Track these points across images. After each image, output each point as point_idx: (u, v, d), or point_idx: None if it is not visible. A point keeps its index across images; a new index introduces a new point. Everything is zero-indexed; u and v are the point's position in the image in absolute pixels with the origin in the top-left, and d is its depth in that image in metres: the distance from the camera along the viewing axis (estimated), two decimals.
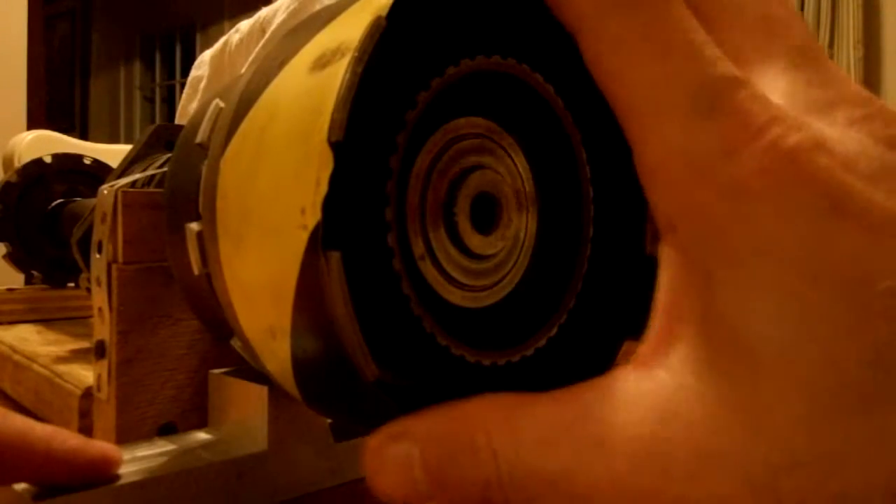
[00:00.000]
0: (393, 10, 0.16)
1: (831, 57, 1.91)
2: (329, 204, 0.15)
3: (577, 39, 0.14)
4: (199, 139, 0.23)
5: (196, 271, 0.22)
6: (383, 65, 0.17)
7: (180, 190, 0.23)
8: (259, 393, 0.25)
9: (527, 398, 0.14)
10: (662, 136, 0.13)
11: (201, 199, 0.21)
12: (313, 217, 0.15)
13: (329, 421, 0.27)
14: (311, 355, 0.17)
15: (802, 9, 2.22)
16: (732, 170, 0.12)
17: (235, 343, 0.23)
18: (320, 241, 0.15)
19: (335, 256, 0.15)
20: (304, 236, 0.15)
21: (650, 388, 0.13)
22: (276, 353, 0.18)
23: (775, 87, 0.13)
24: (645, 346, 0.14)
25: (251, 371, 0.27)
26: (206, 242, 0.20)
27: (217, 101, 0.23)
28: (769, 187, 0.12)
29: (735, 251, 0.12)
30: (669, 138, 0.13)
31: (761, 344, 0.12)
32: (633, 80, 0.13)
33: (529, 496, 0.14)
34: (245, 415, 0.26)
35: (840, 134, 0.12)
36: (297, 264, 0.16)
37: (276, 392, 0.25)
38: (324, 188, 0.15)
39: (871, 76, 2.16)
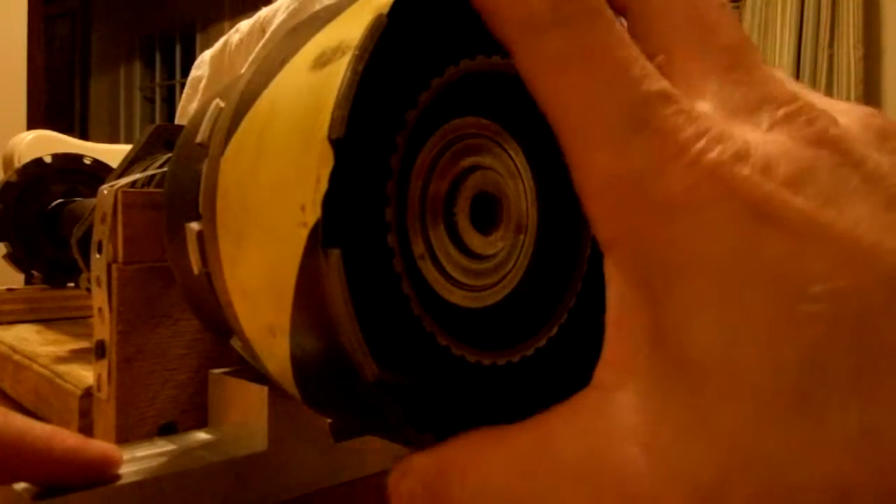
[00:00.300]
0: (393, 9, 0.16)
1: (831, 57, 1.91)
2: (329, 202, 0.15)
3: (511, 55, 0.15)
4: (199, 139, 0.23)
5: (196, 271, 0.22)
6: (384, 64, 0.17)
7: (180, 190, 0.23)
8: (259, 393, 0.25)
9: (500, 431, 0.15)
10: (596, 159, 0.13)
11: (201, 198, 0.21)
12: (313, 214, 0.15)
13: (329, 421, 0.27)
14: (310, 354, 0.17)
15: (802, 9, 2.22)
16: (661, 188, 0.12)
17: (235, 343, 0.23)
18: (320, 239, 0.15)
19: (335, 254, 0.15)
20: (303, 234, 0.15)
21: (609, 412, 0.13)
22: (276, 352, 0.18)
23: (705, 90, 0.14)
24: (601, 369, 0.14)
25: (251, 371, 0.27)
26: (207, 242, 0.20)
27: (217, 100, 0.23)
28: (695, 203, 0.12)
29: (671, 267, 0.12)
30: (603, 161, 0.13)
31: (705, 354, 0.12)
32: (567, 102, 0.13)
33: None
34: (245, 415, 0.26)
35: (762, 138, 0.13)
36: (296, 262, 0.16)
37: (276, 392, 0.25)
38: (324, 186, 0.15)
39: (871, 76, 2.16)
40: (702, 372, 0.12)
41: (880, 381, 0.11)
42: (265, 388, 0.25)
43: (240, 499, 0.25)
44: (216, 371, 0.28)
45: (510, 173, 0.21)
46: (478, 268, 0.20)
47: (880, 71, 2.18)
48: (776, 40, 2.25)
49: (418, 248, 0.19)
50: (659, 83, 0.13)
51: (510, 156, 0.21)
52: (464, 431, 0.17)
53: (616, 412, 0.13)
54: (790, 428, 0.11)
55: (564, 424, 0.14)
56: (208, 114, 0.23)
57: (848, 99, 2.11)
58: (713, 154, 0.12)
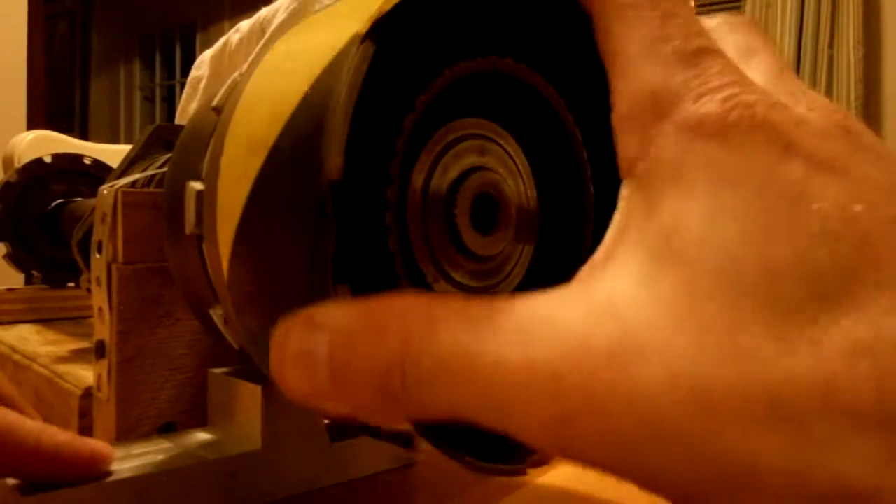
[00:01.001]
0: (388, 15, 0.16)
1: (831, 57, 1.90)
2: (333, 207, 0.15)
3: (590, 13, 0.16)
4: (216, 102, 0.23)
5: (188, 231, 0.22)
6: (381, 71, 0.17)
7: (179, 190, 0.23)
8: (253, 392, 0.25)
9: (457, 295, 0.14)
10: (640, 81, 0.14)
11: (206, 164, 0.21)
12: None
13: (326, 421, 0.27)
14: None
15: (802, 9, 2.22)
16: (696, 111, 0.13)
17: (216, 311, 0.23)
18: (330, 261, 0.15)
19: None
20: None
21: (582, 294, 0.13)
22: None
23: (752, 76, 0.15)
24: (584, 267, 0.14)
25: (248, 370, 0.27)
26: (205, 204, 0.20)
27: (237, 74, 0.23)
28: (726, 126, 0.13)
29: (683, 175, 0.13)
30: (645, 82, 0.14)
31: (696, 250, 0.12)
32: (629, 38, 0.15)
33: (429, 379, 0.13)
34: (241, 414, 0.26)
35: (798, 100, 0.14)
36: None
37: (271, 391, 0.25)
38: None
39: (871, 76, 2.16)
40: (689, 266, 0.12)
41: (875, 298, 0.11)
42: (259, 388, 0.25)
43: (235, 497, 0.25)
44: (215, 370, 0.28)
45: (510, 174, 0.21)
46: (479, 269, 0.20)
47: (880, 71, 2.18)
48: (776, 40, 2.25)
49: (420, 250, 0.19)
50: (712, 43, 0.15)
51: (510, 156, 0.21)
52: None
53: (590, 295, 0.13)
54: (780, 329, 0.11)
55: (530, 300, 0.13)
56: (226, 85, 0.23)
57: (848, 99, 2.11)
58: (753, 96, 0.13)
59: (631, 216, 0.14)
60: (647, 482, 0.12)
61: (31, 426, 0.22)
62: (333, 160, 0.15)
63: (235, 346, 0.23)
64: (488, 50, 0.20)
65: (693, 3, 0.16)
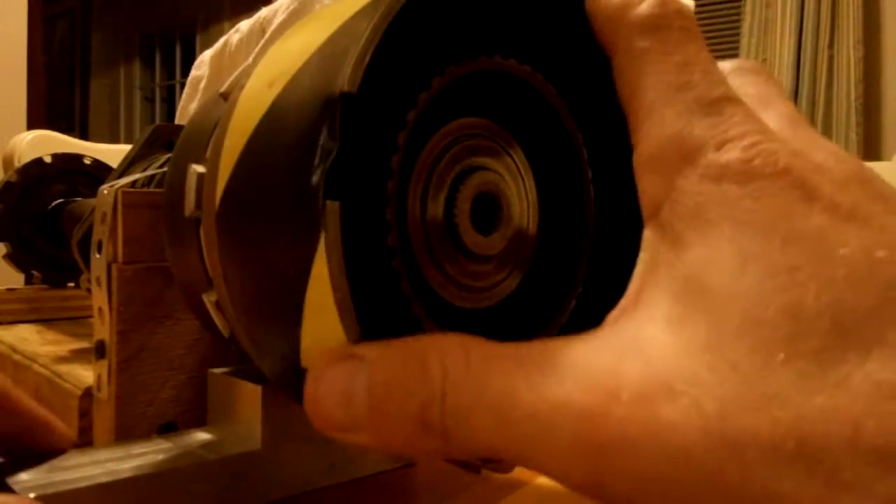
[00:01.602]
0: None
1: (831, 57, 1.91)
2: (332, 200, 0.15)
3: (610, 55, 0.17)
4: (224, 89, 0.23)
5: (187, 213, 0.22)
6: (385, 63, 0.17)
7: (182, 173, 0.23)
8: (253, 392, 0.25)
9: (492, 341, 0.15)
10: (663, 126, 0.15)
11: (210, 148, 0.21)
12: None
13: None
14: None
15: (802, 9, 2.22)
16: (718, 157, 0.14)
17: (209, 297, 0.23)
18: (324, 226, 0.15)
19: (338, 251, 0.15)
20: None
21: (612, 336, 0.14)
22: None
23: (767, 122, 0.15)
24: (614, 311, 0.15)
25: (248, 370, 0.27)
26: (206, 184, 0.20)
27: (247, 62, 0.23)
28: (749, 173, 0.13)
29: (709, 220, 0.13)
30: (668, 128, 0.15)
31: (723, 294, 0.13)
32: (650, 84, 0.15)
33: (467, 415, 0.14)
34: (241, 414, 0.26)
35: (815, 149, 0.15)
36: None
37: (271, 391, 0.25)
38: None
39: (871, 76, 2.16)
40: (718, 311, 0.13)
41: (865, 329, 0.11)
42: (259, 388, 0.25)
43: (235, 497, 0.25)
44: (214, 370, 0.28)
45: (511, 174, 0.21)
46: (478, 269, 0.20)
47: (880, 71, 2.18)
48: (776, 40, 2.25)
49: (419, 248, 0.19)
50: (732, 91, 0.15)
51: (511, 156, 0.21)
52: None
53: (619, 336, 0.14)
54: (807, 370, 0.11)
55: (563, 343, 0.14)
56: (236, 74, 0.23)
57: (848, 99, 2.11)
58: (772, 144, 0.14)
59: (657, 260, 0.14)
60: None
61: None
62: (352, 72, 0.15)
63: (225, 333, 0.23)
64: (492, 50, 0.20)
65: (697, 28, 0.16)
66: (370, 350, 0.15)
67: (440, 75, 0.19)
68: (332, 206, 0.15)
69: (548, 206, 0.22)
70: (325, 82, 0.16)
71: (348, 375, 0.15)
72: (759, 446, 0.11)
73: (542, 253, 0.22)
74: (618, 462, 0.12)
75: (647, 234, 0.15)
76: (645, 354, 0.13)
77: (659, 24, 0.16)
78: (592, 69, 0.20)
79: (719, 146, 0.14)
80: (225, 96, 0.23)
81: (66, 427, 0.24)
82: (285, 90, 0.17)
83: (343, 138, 0.15)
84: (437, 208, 0.19)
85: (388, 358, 0.15)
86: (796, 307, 0.12)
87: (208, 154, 0.21)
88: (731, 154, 0.14)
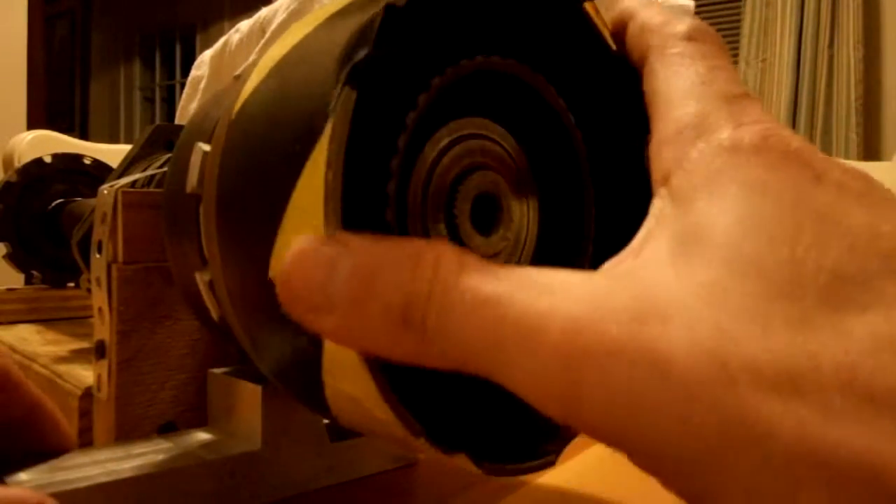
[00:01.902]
0: (379, 30, 0.16)
1: (831, 57, 1.91)
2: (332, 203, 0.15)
3: (642, 60, 0.18)
4: (237, 73, 0.23)
5: (188, 189, 0.22)
6: (384, 66, 0.17)
7: (183, 166, 0.23)
8: (253, 392, 0.25)
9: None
10: (685, 110, 0.16)
11: (217, 127, 0.21)
12: None
13: (326, 421, 0.27)
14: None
15: (802, 9, 2.22)
16: (735, 133, 0.15)
17: (202, 276, 0.23)
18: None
19: None
20: None
21: (610, 270, 0.14)
22: None
23: None
24: (613, 259, 0.15)
25: (248, 370, 0.27)
26: (208, 165, 0.20)
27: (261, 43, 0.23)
28: (764, 149, 0.14)
29: (719, 183, 0.14)
30: (690, 110, 0.16)
31: (728, 245, 0.13)
32: (677, 81, 0.17)
33: (452, 315, 0.13)
34: (241, 414, 0.26)
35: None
36: None
37: (271, 391, 0.25)
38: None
39: (871, 76, 2.16)
40: (728, 253, 0.13)
41: (865, 287, 0.12)
42: (259, 388, 0.25)
43: (235, 497, 0.25)
44: (215, 370, 0.28)
45: (511, 174, 0.21)
46: None
47: (880, 71, 2.18)
48: (776, 40, 2.25)
49: None
50: (753, 93, 0.16)
51: (511, 156, 0.21)
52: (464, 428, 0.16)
53: (619, 266, 0.14)
54: (804, 316, 0.12)
55: (562, 271, 0.14)
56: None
57: (848, 99, 2.11)
58: (787, 132, 0.15)
59: (663, 216, 0.15)
60: (648, 445, 0.12)
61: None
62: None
63: (215, 315, 0.23)
64: (491, 50, 0.20)
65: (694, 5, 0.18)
66: (357, 238, 0.15)
67: (440, 76, 0.19)
68: (349, 92, 0.15)
69: (549, 207, 0.22)
70: (342, 35, 0.16)
71: (332, 253, 0.14)
72: (750, 370, 0.11)
73: (544, 253, 0.22)
74: (599, 370, 0.12)
75: (656, 201, 0.15)
76: (641, 282, 0.13)
77: (695, 36, 0.18)
78: (590, 68, 0.20)
79: (737, 126, 0.15)
80: (237, 78, 0.23)
81: (70, 430, 0.24)
82: (293, 55, 0.18)
83: (377, 45, 0.15)
84: (437, 209, 0.19)
85: (378, 246, 0.14)
86: (797, 263, 0.12)
87: (215, 134, 0.21)
88: (748, 132, 0.14)
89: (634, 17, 0.19)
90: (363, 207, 0.17)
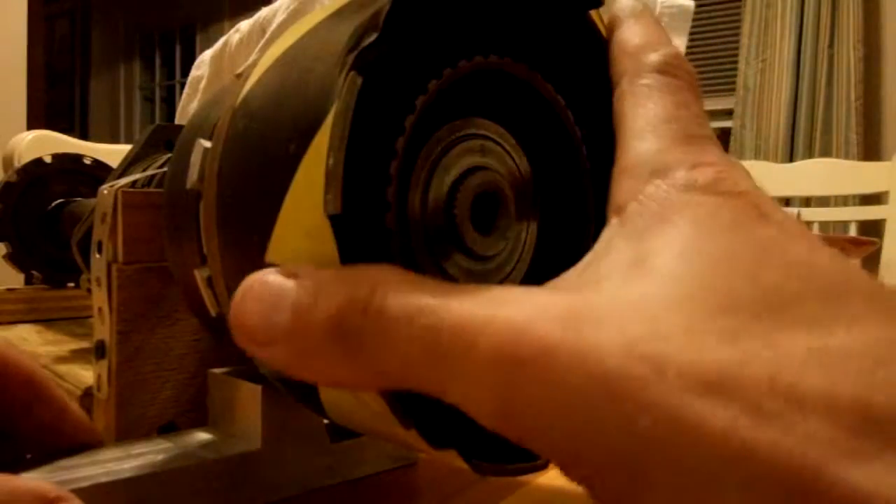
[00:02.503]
0: (388, 16, 0.16)
1: (831, 57, 1.91)
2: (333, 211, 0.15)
3: (615, 82, 0.19)
4: (239, 71, 0.23)
5: (189, 185, 0.22)
6: (381, 73, 0.17)
7: (180, 190, 0.23)
8: (253, 392, 0.25)
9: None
10: (645, 145, 0.16)
11: (220, 123, 0.21)
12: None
13: (325, 421, 0.27)
14: None
15: (802, 9, 2.22)
16: (689, 174, 0.15)
17: (201, 272, 0.23)
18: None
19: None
20: None
21: (551, 284, 0.15)
22: None
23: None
24: (561, 275, 0.15)
25: (248, 371, 0.27)
26: (209, 161, 0.20)
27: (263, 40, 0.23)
28: (714, 189, 0.15)
29: (669, 219, 0.15)
30: (650, 147, 0.16)
31: (668, 274, 0.14)
32: (644, 112, 0.17)
33: (390, 325, 0.13)
34: (241, 414, 0.26)
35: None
36: None
37: (271, 391, 0.25)
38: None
39: (871, 76, 2.16)
40: (665, 282, 0.13)
41: (831, 324, 0.12)
42: (259, 388, 0.25)
43: (235, 497, 0.25)
44: (215, 371, 0.28)
45: (510, 173, 0.21)
46: (480, 269, 0.20)
47: (880, 71, 2.18)
48: (776, 40, 2.25)
49: (420, 250, 0.19)
50: (713, 135, 0.17)
51: (510, 155, 0.21)
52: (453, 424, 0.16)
53: (558, 283, 0.15)
54: (732, 330, 0.12)
55: (520, 287, 0.15)
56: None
57: (848, 99, 2.11)
58: (740, 177, 0.15)
59: (610, 246, 0.15)
60: (579, 446, 0.12)
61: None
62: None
63: (213, 311, 0.23)
64: (487, 50, 0.20)
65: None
66: (305, 268, 0.15)
67: (437, 78, 0.19)
68: (354, 78, 0.15)
69: (548, 206, 0.22)
70: (346, 30, 0.16)
71: (279, 284, 0.15)
72: (681, 372, 0.12)
73: (544, 252, 0.22)
74: (533, 373, 0.12)
75: (606, 229, 0.16)
76: (581, 294, 0.14)
77: (667, 70, 0.18)
78: (589, 67, 0.20)
79: (692, 167, 0.15)
80: (239, 76, 0.23)
81: (94, 425, 0.25)
82: (295, 50, 0.18)
83: (385, 29, 0.16)
84: (437, 210, 0.19)
85: (322, 273, 0.15)
86: (735, 285, 0.13)
87: (216, 130, 0.21)
88: (702, 174, 0.15)
89: (617, 31, 0.19)
90: (362, 212, 0.17)
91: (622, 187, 0.16)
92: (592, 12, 0.20)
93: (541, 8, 0.20)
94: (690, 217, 0.14)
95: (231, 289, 0.19)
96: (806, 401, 0.11)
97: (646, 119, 0.17)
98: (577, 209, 0.22)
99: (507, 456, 0.18)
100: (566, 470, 0.13)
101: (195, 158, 0.22)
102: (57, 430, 0.24)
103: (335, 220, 0.15)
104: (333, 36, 0.17)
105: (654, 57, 0.18)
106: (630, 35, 0.19)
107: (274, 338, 0.14)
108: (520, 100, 0.21)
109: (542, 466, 0.18)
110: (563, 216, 0.22)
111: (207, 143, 0.21)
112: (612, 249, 0.15)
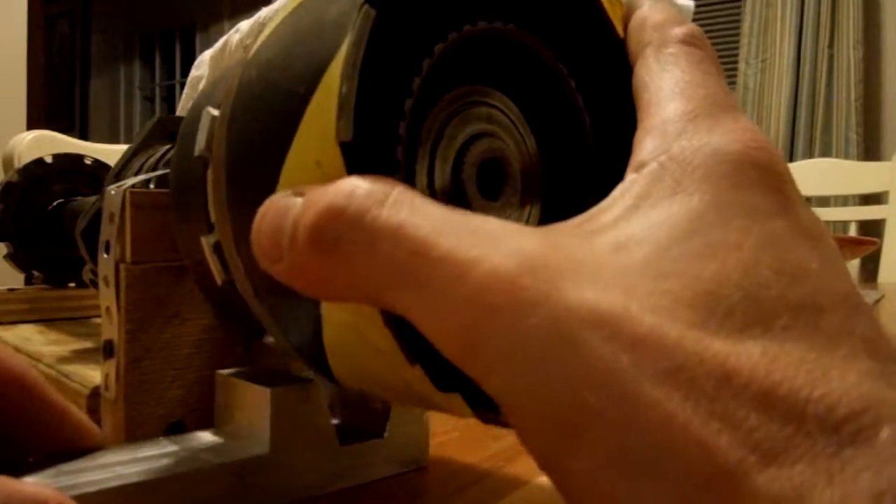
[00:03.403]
0: None
1: (831, 57, 1.92)
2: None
3: (636, 53, 0.19)
4: (246, 42, 0.23)
5: (196, 152, 0.22)
6: (389, 31, 0.17)
7: (187, 162, 0.23)
8: (262, 395, 0.25)
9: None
10: (675, 107, 0.16)
11: (225, 91, 0.21)
12: None
13: (335, 422, 0.27)
14: None
15: (802, 9, 2.22)
16: (719, 139, 0.15)
17: (207, 239, 0.23)
18: None
19: None
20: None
21: (553, 229, 0.15)
22: None
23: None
24: (565, 222, 0.16)
25: (256, 372, 0.27)
26: (217, 129, 0.21)
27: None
28: (744, 165, 0.15)
29: (688, 186, 0.14)
30: (679, 109, 0.16)
31: (670, 242, 0.14)
32: (670, 78, 0.17)
33: (373, 244, 0.14)
34: (249, 417, 0.26)
35: None
36: None
37: (280, 394, 0.25)
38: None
39: (871, 76, 2.16)
40: (665, 251, 0.14)
41: (811, 333, 0.13)
42: (267, 390, 0.25)
43: (243, 501, 0.25)
44: (222, 372, 0.28)
45: (515, 141, 0.21)
46: None
47: (880, 71, 2.18)
48: (776, 40, 2.25)
49: None
50: (736, 103, 0.17)
51: (514, 123, 0.22)
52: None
53: (572, 231, 0.15)
54: (702, 323, 0.12)
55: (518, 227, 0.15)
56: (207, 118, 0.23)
57: (848, 99, 2.11)
58: (773, 149, 0.15)
59: (621, 200, 0.15)
60: (524, 398, 0.13)
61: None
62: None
63: (219, 280, 0.23)
64: (492, 15, 0.20)
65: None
66: (312, 186, 0.15)
67: (443, 42, 0.19)
68: (368, 11, 0.16)
69: (553, 174, 0.23)
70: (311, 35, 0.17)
71: (286, 204, 0.15)
72: (638, 348, 0.12)
73: (549, 216, 0.22)
74: (501, 324, 0.13)
75: (624, 182, 0.16)
76: (569, 248, 0.14)
77: (691, 41, 0.18)
78: (592, 35, 0.21)
79: (725, 133, 0.15)
80: (246, 48, 0.23)
81: (95, 426, 0.25)
82: (299, 10, 0.18)
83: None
84: (444, 175, 0.20)
85: (326, 187, 0.15)
86: (721, 279, 0.13)
87: (225, 93, 0.21)
88: (733, 142, 0.15)
89: (638, 10, 0.20)
90: (373, 173, 0.17)
91: (647, 146, 0.16)
92: None
93: None
94: (705, 190, 0.14)
95: (241, 247, 0.19)
96: (751, 406, 0.11)
97: (675, 81, 0.17)
98: (579, 185, 0.23)
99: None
100: (509, 417, 0.13)
101: (203, 125, 0.22)
102: (57, 431, 0.24)
103: (346, 148, 0.15)
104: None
105: (678, 29, 0.18)
106: (652, 12, 0.19)
107: (280, 254, 0.15)
108: (524, 69, 0.22)
109: None
110: (566, 192, 0.23)
111: (215, 111, 0.22)
112: (618, 206, 0.15)
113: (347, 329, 0.17)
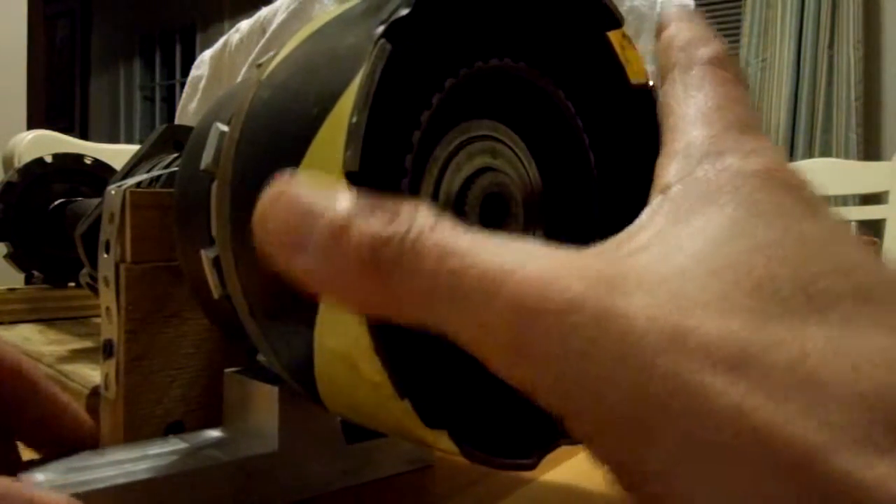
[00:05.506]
0: (409, 13, 0.16)
1: (831, 57, 1.91)
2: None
3: (665, 73, 0.19)
4: (260, 60, 0.23)
5: (203, 165, 0.22)
6: (400, 66, 0.17)
7: (193, 175, 0.23)
8: (270, 393, 0.25)
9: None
10: (699, 130, 0.16)
11: (236, 108, 0.22)
12: None
13: (341, 421, 0.27)
14: None
15: (802, 9, 2.22)
16: (741, 162, 0.15)
17: (208, 253, 0.23)
18: None
19: None
20: None
21: (589, 248, 0.15)
22: None
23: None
24: (598, 244, 0.15)
25: (264, 371, 0.27)
26: (224, 145, 0.21)
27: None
28: (768, 178, 0.15)
29: (717, 199, 0.15)
30: (704, 132, 0.16)
31: (711, 247, 0.14)
32: (696, 101, 0.17)
33: (420, 264, 0.14)
34: (257, 415, 0.26)
35: None
36: None
37: (288, 392, 0.25)
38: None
39: (870, 76, 2.16)
40: (702, 262, 0.14)
41: (873, 319, 0.12)
42: (275, 389, 0.25)
43: (250, 499, 0.25)
44: (230, 371, 0.28)
45: (520, 175, 0.21)
46: None
47: (880, 71, 2.18)
48: (776, 40, 2.25)
49: None
50: (759, 124, 0.17)
51: (521, 160, 0.22)
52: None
53: (609, 250, 0.15)
54: (763, 312, 0.12)
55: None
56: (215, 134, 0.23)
57: (848, 99, 2.11)
58: (791, 168, 0.16)
59: (653, 218, 0.15)
60: (588, 405, 0.12)
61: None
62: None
63: (216, 294, 0.23)
64: (502, 53, 0.20)
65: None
66: (344, 188, 0.15)
67: (453, 77, 0.19)
68: (384, 45, 0.16)
69: (555, 209, 0.23)
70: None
71: (312, 194, 0.15)
72: (703, 347, 0.12)
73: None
74: (551, 327, 0.12)
75: (649, 207, 0.16)
76: (613, 261, 0.14)
77: (717, 62, 0.18)
78: (599, 74, 0.21)
79: (746, 155, 0.15)
80: (259, 65, 0.23)
81: (91, 421, 0.25)
82: (313, 37, 0.18)
83: (416, 5, 0.16)
84: (447, 207, 0.20)
85: (360, 196, 0.15)
86: (770, 272, 0.13)
87: (235, 113, 0.21)
88: (755, 162, 0.15)
89: (666, 30, 0.20)
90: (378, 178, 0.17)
91: (670, 170, 0.16)
92: (613, 39, 0.21)
93: (560, 22, 0.21)
94: (738, 201, 0.14)
95: (240, 266, 0.19)
96: (825, 389, 0.11)
97: (698, 106, 0.17)
98: (583, 217, 0.23)
99: (497, 450, 0.18)
100: (568, 422, 0.13)
101: (211, 140, 0.22)
102: (49, 419, 0.24)
103: (352, 178, 0.15)
104: (367, 14, 0.17)
105: (704, 51, 0.18)
106: (680, 31, 0.19)
107: (304, 245, 0.14)
108: (532, 105, 0.22)
109: (530, 466, 0.18)
110: (570, 224, 0.23)
111: (224, 127, 0.22)
112: (652, 224, 0.15)
113: (339, 358, 0.17)
